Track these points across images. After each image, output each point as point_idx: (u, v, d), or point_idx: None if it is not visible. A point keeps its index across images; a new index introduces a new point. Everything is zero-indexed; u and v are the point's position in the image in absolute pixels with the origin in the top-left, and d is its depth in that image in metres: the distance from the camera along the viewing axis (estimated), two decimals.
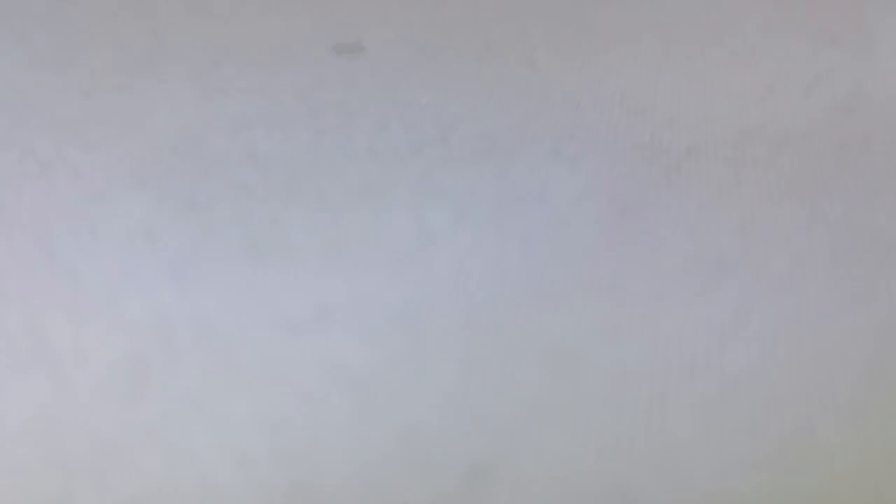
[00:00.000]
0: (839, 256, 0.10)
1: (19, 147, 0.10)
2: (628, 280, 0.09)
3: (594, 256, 0.09)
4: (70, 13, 0.12)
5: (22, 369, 0.09)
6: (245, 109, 0.09)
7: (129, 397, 0.08)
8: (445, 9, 0.12)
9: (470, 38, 0.11)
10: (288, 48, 0.11)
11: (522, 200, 0.09)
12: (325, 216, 0.09)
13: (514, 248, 0.09)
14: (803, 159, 0.12)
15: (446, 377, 0.08)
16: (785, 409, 0.08)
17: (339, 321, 0.09)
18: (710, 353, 0.09)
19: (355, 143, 0.10)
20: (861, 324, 0.09)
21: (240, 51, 0.11)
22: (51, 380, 0.08)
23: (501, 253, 0.09)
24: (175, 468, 0.08)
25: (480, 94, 0.11)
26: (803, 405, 0.08)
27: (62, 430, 0.08)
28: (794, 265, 0.10)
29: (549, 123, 0.11)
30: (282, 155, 0.10)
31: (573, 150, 0.10)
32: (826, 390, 0.08)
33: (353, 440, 0.08)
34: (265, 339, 0.09)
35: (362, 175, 0.09)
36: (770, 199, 0.10)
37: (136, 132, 0.09)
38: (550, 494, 0.07)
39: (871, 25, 0.16)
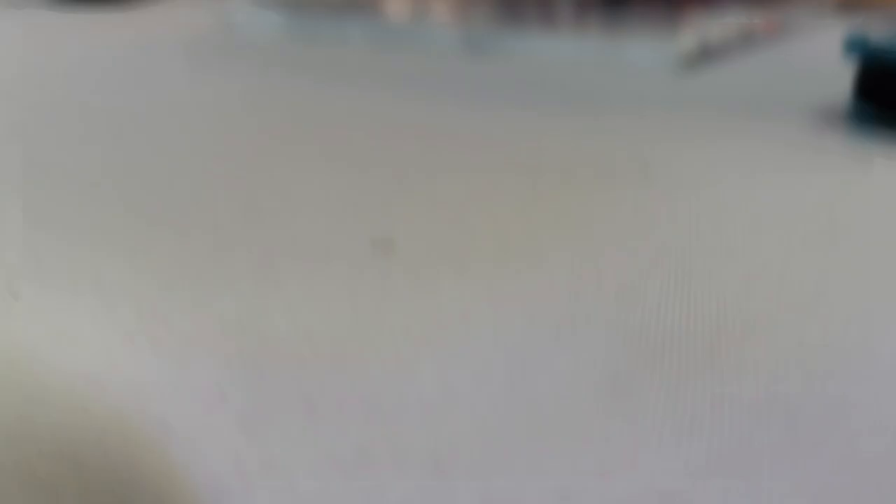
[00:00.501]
0: None
1: None
2: None
3: None
4: (148, 209, 0.15)
5: None
6: (296, 296, 0.11)
7: None
8: (467, 212, 0.14)
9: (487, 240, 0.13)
10: (330, 243, 0.12)
11: None
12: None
13: None
14: None
15: None
16: None
17: None
18: None
19: None
20: None
21: (290, 245, 0.12)
22: None
23: None
24: None
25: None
26: None
27: None
28: None
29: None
30: None
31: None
32: None
33: None
34: None
35: None
36: None
37: (204, 315, 0.10)
38: None
39: None
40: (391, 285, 0.11)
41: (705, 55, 0.35)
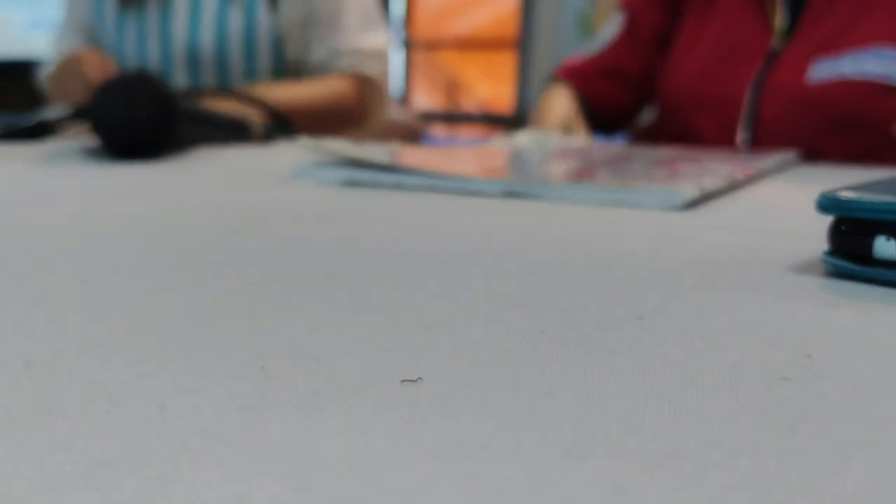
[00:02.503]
0: None
1: None
2: None
3: None
4: (202, 344, 0.16)
5: None
6: (338, 425, 0.11)
7: None
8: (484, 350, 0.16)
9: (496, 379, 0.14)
10: (364, 380, 0.13)
11: None
12: None
13: None
14: None
15: None
16: None
17: None
18: None
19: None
20: None
21: (329, 380, 0.13)
22: None
23: None
24: None
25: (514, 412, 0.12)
26: None
27: None
28: None
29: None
30: None
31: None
32: None
33: None
34: None
35: None
36: None
37: (255, 445, 0.11)
38: None
39: None
40: (419, 415, 0.12)
41: (702, 199, 0.37)
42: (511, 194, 0.38)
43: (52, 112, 0.74)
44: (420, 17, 7.86)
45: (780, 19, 0.82)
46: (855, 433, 0.11)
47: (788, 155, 0.61)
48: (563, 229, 0.29)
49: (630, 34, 0.95)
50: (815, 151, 0.76)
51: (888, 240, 0.20)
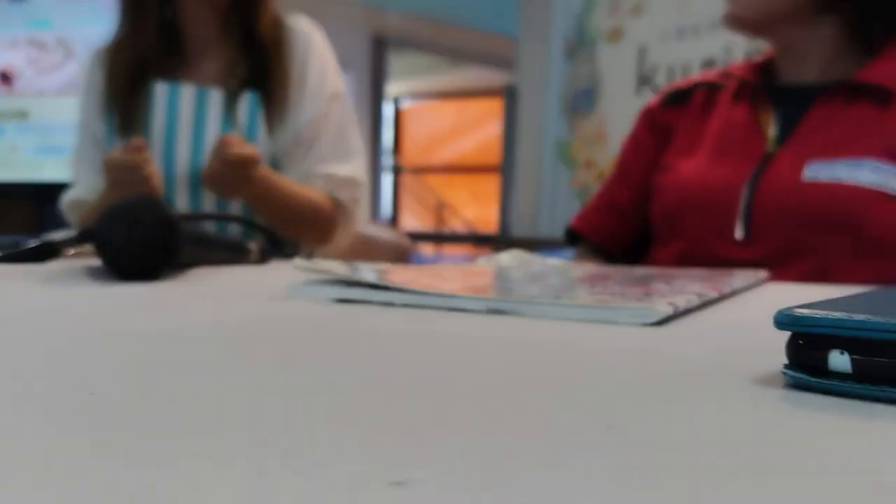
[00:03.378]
0: None
1: None
2: None
3: None
4: (200, 447, 0.17)
5: None
6: None
7: None
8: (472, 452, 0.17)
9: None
10: (353, 483, 0.14)
11: None
12: None
13: None
14: None
15: None
16: None
17: None
18: None
19: None
20: None
21: (324, 482, 0.14)
22: None
23: None
24: None
25: None
26: None
27: None
28: None
29: None
30: None
31: None
32: None
33: None
34: None
35: None
36: None
37: None
38: None
39: None
40: None
41: (674, 316, 0.39)
42: (495, 311, 0.39)
43: (57, 234, 0.76)
44: (409, 144, 8.13)
45: (772, 130, 0.86)
46: None
47: (759, 274, 0.63)
48: (543, 344, 0.30)
49: (621, 173, 1.01)
50: (809, 250, 0.78)
51: (841, 353, 0.21)
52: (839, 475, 0.15)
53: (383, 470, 0.15)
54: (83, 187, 1.16)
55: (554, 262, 0.70)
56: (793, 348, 0.22)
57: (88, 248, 0.72)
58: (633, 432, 0.18)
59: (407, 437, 0.17)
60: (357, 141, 1.16)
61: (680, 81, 1.02)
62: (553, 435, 0.17)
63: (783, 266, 0.78)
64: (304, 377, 0.23)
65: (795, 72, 0.89)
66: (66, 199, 1.16)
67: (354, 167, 1.13)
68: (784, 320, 0.22)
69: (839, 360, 0.21)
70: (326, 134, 1.11)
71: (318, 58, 1.13)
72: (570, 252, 1.06)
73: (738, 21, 0.87)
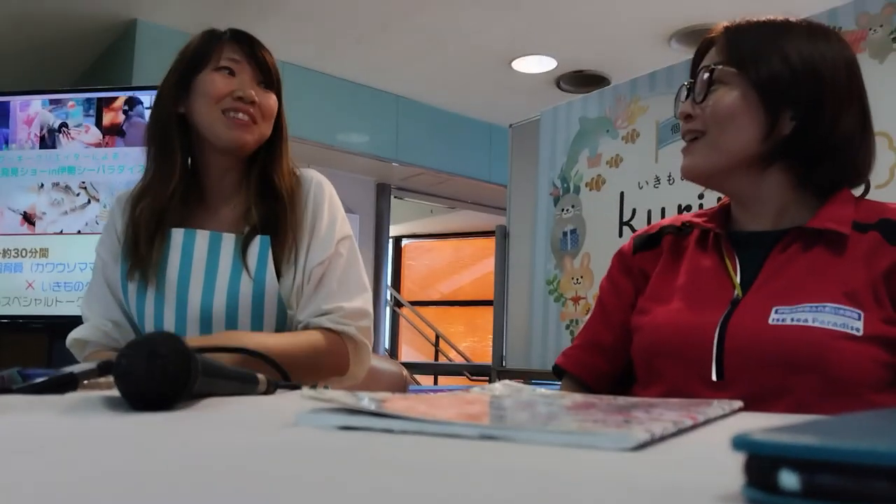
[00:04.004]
0: None
1: None
2: None
3: None
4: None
5: None
6: None
7: None
8: None
9: None
10: None
11: None
12: None
13: None
14: None
15: None
16: None
17: None
18: None
19: None
20: None
21: None
22: None
23: None
24: None
25: None
26: None
27: None
28: None
29: None
30: None
31: None
32: None
33: None
34: None
35: None
36: None
37: None
38: None
39: None
40: None
41: (651, 442, 0.40)
42: (487, 437, 0.40)
43: (77, 367, 0.77)
44: (408, 280, 8.23)
45: (737, 276, 0.87)
46: None
47: (734, 404, 0.64)
48: (530, 467, 0.31)
49: (602, 313, 1.01)
50: (783, 391, 0.77)
51: (790, 473, 0.23)
52: None
53: None
54: (89, 327, 1.16)
55: (543, 392, 0.71)
56: (749, 469, 0.24)
57: (105, 380, 0.73)
58: None
59: None
60: (363, 278, 1.18)
61: (647, 227, 1.03)
62: None
63: (761, 407, 0.76)
64: (309, 499, 0.24)
65: (751, 220, 0.90)
66: (72, 337, 1.17)
67: (361, 301, 1.14)
68: (740, 443, 0.24)
69: (789, 479, 0.23)
70: (334, 273, 1.13)
71: (329, 206, 1.17)
72: (558, 384, 1.05)
73: (693, 173, 0.89)
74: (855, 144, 0.86)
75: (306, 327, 1.11)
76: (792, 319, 0.78)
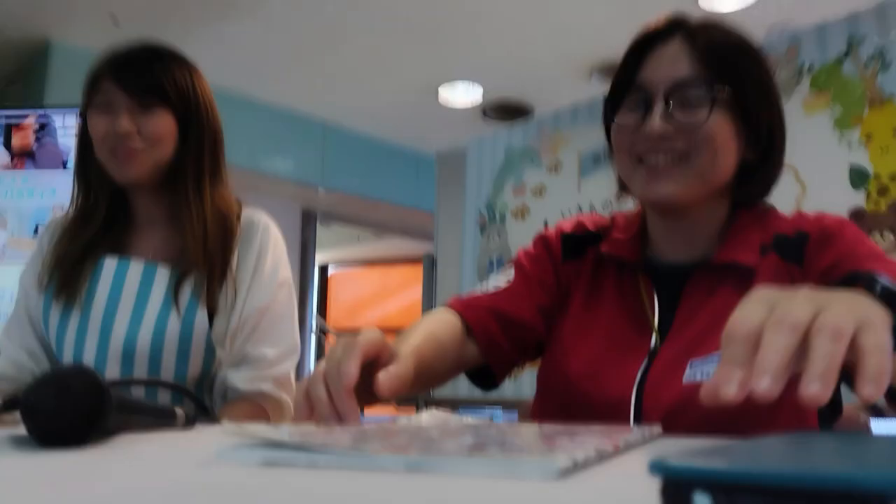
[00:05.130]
0: None
1: None
2: None
3: None
4: None
5: None
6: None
7: None
8: None
9: None
10: None
11: None
12: None
13: None
14: None
15: None
16: None
17: None
18: None
19: None
20: None
21: None
22: None
23: None
24: None
25: None
26: None
27: None
28: None
29: None
30: None
31: None
32: None
33: None
34: None
35: None
36: None
37: None
38: None
39: None
40: None
41: (574, 468, 0.41)
42: (413, 468, 0.40)
43: None
44: (334, 309, 8.14)
45: (654, 321, 0.84)
46: None
47: (654, 429, 0.66)
48: (455, 497, 0.31)
49: (521, 288, 0.92)
50: None
51: (703, 495, 0.24)
52: None
53: None
54: (3, 360, 1.11)
55: (470, 421, 0.71)
56: (665, 493, 0.25)
57: (10, 416, 0.70)
58: None
59: None
60: (294, 328, 1.15)
61: (574, 226, 0.97)
62: None
63: None
64: None
65: (669, 249, 0.88)
66: None
67: (286, 347, 1.12)
68: (656, 468, 0.25)
69: (701, 501, 0.24)
70: (268, 318, 1.11)
71: (274, 251, 1.15)
72: (487, 412, 1.02)
73: (671, 201, 0.82)
74: (776, 170, 0.86)
75: (223, 381, 1.08)
76: (703, 374, 0.76)
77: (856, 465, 0.24)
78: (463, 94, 4.20)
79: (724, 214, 0.87)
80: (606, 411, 0.81)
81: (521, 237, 2.70)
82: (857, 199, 2.11)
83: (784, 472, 0.22)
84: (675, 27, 0.81)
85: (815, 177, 2.03)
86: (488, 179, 2.83)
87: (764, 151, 0.84)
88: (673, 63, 0.79)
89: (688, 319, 0.83)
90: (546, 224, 2.61)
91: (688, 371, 0.78)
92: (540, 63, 3.77)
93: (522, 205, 2.72)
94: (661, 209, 0.86)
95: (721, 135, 0.79)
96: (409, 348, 0.78)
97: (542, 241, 0.99)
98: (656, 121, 0.78)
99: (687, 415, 0.76)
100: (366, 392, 0.67)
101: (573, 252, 0.96)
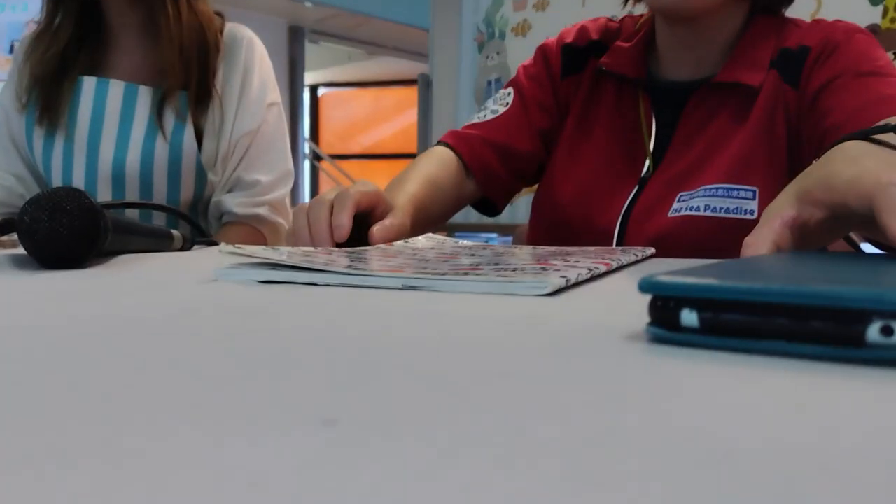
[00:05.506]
0: None
1: None
2: None
3: None
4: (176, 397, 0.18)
5: None
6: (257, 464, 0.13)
7: None
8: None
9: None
10: (287, 420, 0.16)
11: None
12: None
13: None
14: None
15: None
16: None
17: None
18: None
19: None
20: None
21: (266, 405, 0.16)
22: None
23: None
24: None
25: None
26: None
27: None
28: None
29: None
30: None
31: None
32: None
33: None
34: None
35: None
36: None
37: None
38: None
39: None
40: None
41: (567, 286, 0.42)
42: (409, 287, 0.41)
43: None
44: (327, 132, 8.04)
45: (649, 145, 0.84)
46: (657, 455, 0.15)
47: (647, 250, 0.68)
48: (450, 314, 0.33)
49: (519, 113, 0.92)
50: None
51: (690, 312, 0.25)
52: (679, 401, 0.18)
53: (316, 413, 0.17)
54: None
55: (465, 244, 0.72)
56: (653, 309, 0.26)
57: (8, 238, 0.71)
58: (519, 377, 0.21)
59: (337, 387, 0.19)
60: (287, 150, 1.15)
61: (575, 36, 0.95)
62: (458, 383, 0.20)
63: None
64: (236, 351, 0.25)
65: (676, 66, 0.86)
66: None
67: (280, 172, 1.12)
68: (645, 285, 0.26)
69: (689, 317, 0.25)
70: (260, 143, 1.10)
71: (260, 69, 1.11)
72: (483, 236, 1.06)
73: (689, 4, 0.80)
74: None
75: (218, 206, 1.08)
76: (688, 209, 0.77)
77: (839, 282, 0.24)
78: None
79: (739, 23, 0.84)
80: (593, 240, 0.82)
81: (521, 55, 2.60)
82: (874, 15, 2.03)
83: (767, 289, 0.23)
84: None
85: None
86: None
87: None
88: None
89: (683, 144, 0.82)
90: None
91: (675, 204, 0.79)
92: None
93: (523, 20, 2.60)
94: (672, 13, 0.83)
95: None
96: (405, 197, 0.79)
97: (541, 54, 0.96)
98: None
99: (668, 248, 0.76)
100: (360, 246, 0.67)
101: (573, 66, 0.93)
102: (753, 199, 0.76)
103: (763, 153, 0.78)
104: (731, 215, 0.76)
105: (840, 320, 0.22)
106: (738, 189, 0.77)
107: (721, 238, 0.73)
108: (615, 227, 0.83)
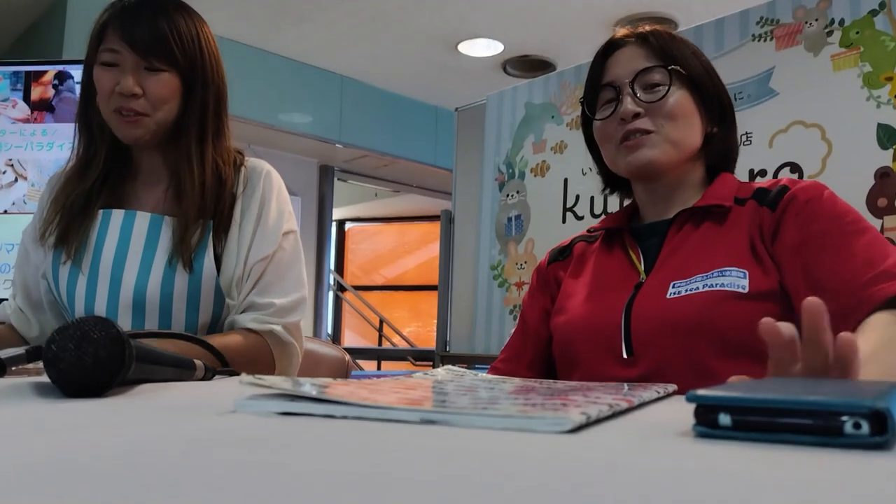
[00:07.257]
0: None
1: None
2: None
3: None
4: None
5: None
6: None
7: None
8: None
9: None
10: None
11: None
12: None
13: None
14: None
15: None
16: None
17: None
18: None
19: None
20: None
21: None
22: None
23: None
24: None
25: None
26: None
27: None
28: None
29: None
30: None
31: None
32: None
33: None
34: None
35: None
36: None
37: None
38: None
39: None
40: None
41: (588, 425, 0.41)
42: (428, 421, 0.41)
43: (4, 352, 0.74)
44: (352, 264, 8.18)
45: (641, 265, 0.97)
46: None
47: (670, 387, 0.66)
48: (469, 450, 0.32)
49: (523, 328, 1.10)
50: (688, 359, 0.83)
51: (725, 415, 0.35)
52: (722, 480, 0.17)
53: None
54: (13, 312, 1.15)
55: (485, 377, 0.72)
56: (697, 413, 0.36)
57: (34, 366, 0.71)
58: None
59: None
60: (302, 276, 1.16)
61: (561, 242, 1.14)
62: None
63: (668, 373, 0.83)
64: (249, 481, 0.24)
65: (652, 212, 1.01)
66: None
67: (295, 298, 1.13)
68: (691, 397, 0.37)
69: (724, 419, 0.35)
70: (275, 269, 1.12)
71: (277, 199, 1.16)
72: None
73: (652, 166, 0.95)
74: (733, 134, 1.02)
75: (231, 325, 1.09)
76: (686, 290, 0.88)
77: (825, 394, 0.36)
78: (483, 48, 4.14)
79: (701, 176, 1.01)
80: (600, 338, 0.92)
81: (540, 195, 2.68)
82: (885, 158, 2.07)
83: (777, 398, 0.35)
84: (629, 36, 0.99)
85: (842, 136, 1.98)
86: (507, 135, 2.80)
87: (720, 121, 0.99)
88: (632, 60, 0.97)
89: (670, 256, 0.94)
90: (566, 182, 2.59)
91: (671, 290, 0.89)
92: (562, 16, 3.70)
93: (542, 162, 2.70)
94: (643, 175, 0.98)
95: (683, 106, 0.95)
96: None
97: (535, 271, 1.14)
98: (628, 103, 0.95)
99: (670, 326, 0.86)
100: None
101: (559, 255, 1.11)
102: (744, 278, 0.85)
103: (747, 248, 0.89)
104: (727, 289, 0.85)
105: (825, 418, 0.33)
106: (730, 270, 0.86)
107: (717, 311, 0.83)
108: (620, 322, 0.91)
